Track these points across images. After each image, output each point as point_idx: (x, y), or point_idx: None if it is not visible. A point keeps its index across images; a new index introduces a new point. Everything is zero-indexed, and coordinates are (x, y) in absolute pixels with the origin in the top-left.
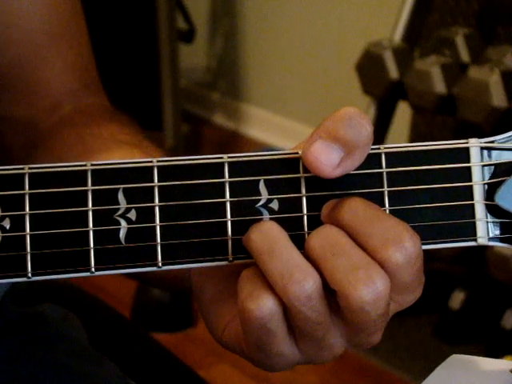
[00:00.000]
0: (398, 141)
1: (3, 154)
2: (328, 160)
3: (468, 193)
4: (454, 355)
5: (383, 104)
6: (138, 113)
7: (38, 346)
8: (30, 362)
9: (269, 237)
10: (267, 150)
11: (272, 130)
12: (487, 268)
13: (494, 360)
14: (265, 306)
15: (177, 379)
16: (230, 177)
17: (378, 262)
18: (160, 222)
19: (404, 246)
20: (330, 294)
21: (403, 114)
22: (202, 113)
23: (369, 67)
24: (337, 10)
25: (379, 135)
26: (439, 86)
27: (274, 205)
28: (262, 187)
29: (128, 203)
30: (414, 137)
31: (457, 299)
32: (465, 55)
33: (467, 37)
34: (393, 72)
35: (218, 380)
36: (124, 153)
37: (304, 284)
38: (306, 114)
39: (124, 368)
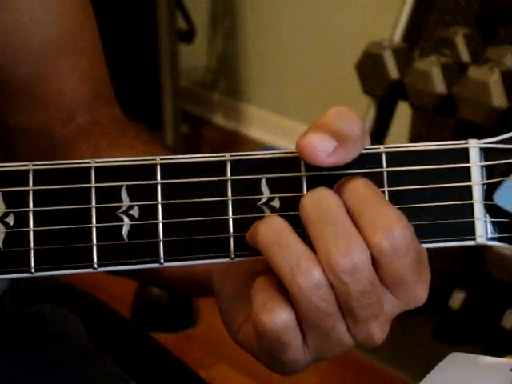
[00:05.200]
0: (398, 141)
1: None
2: (322, 147)
3: (467, 193)
4: (454, 353)
5: (383, 104)
6: (137, 113)
7: (38, 345)
8: (30, 361)
9: (275, 229)
10: (268, 149)
11: (272, 129)
12: (487, 268)
13: (493, 358)
14: (279, 318)
15: (177, 379)
16: (232, 175)
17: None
18: (162, 219)
19: (393, 235)
20: None
21: (403, 113)
22: (202, 113)
23: (369, 67)
24: (337, 9)
25: (379, 135)
26: (439, 86)
27: (276, 203)
28: (263, 186)
29: (131, 200)
30: (414, 137)
31: (457, 299)
32: (465, 55)
33: (467, 37)
34: (393, 72)
35: (218, 380)
36: None
37: (312, 273)
38: (306, 114)
39: (124, 368)
